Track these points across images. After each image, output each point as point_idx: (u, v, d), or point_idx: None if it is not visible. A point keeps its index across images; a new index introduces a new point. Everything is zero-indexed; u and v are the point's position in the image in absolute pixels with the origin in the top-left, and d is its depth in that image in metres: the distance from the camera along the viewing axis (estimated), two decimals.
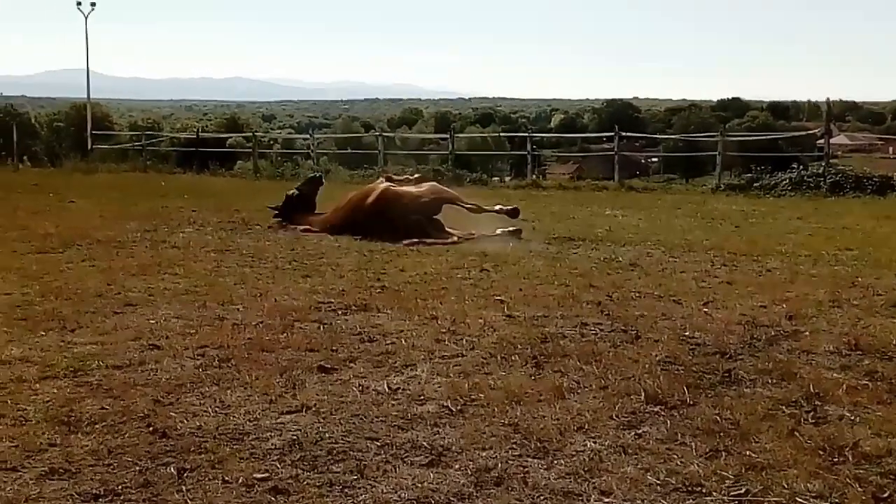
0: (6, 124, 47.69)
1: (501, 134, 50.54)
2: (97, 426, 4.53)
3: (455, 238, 11.78)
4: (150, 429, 4.49)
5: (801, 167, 23.61)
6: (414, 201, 12.19)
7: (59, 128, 58.93)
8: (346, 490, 3.83)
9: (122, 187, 21.97)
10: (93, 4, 48.19)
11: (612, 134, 28.07)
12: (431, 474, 3.98)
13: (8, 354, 5.84)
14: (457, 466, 4.06)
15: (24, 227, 12.71)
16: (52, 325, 6.70)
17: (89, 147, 40.64)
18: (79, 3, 47.82)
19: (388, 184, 12.82)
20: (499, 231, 12.15)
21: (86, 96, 51.06)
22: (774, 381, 5.32)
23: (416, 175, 14.27)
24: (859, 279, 8.70)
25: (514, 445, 4.30)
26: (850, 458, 4.11)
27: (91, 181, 24.85)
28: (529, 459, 4.14)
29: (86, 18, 47.69)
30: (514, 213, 12.61)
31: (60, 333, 6.46)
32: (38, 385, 5.22)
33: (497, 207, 12.75)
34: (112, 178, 27.01)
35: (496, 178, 31.92)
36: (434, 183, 13.57)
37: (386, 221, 11.96)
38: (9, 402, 4.88)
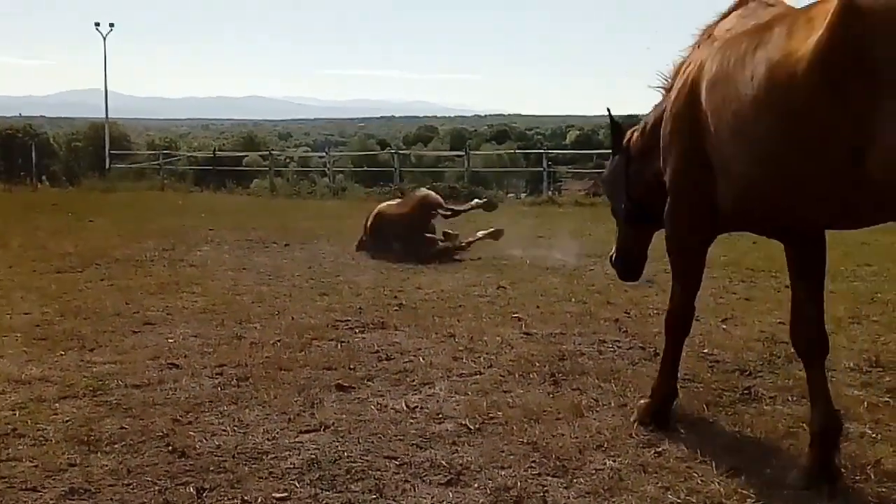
0: (25, 144, 48.03)
1: (517, 151, 50.46)
2: (116, 446, 4.54)
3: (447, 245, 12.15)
4: (169, 448, 4.50)
5: None
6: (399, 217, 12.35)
7: (77, 147, 59.30)
8: None
9: (140, 206, 22.09)
10: (111, 25, 48.63)
11: None
12: (450, 493, 3.97)
13: (28, 374, 5.87)
14: (476, 485, 4.04)
15: (43, 247, 12.79)
16: (72, 344, 6.73)
17: (107, 166, 40.92)
18: (97, 24, 48.25)
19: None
20: (479, 234, 12.47)
21: (104, 116, 51.42)
22: (795, 398, 5.29)
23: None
24: (878, 295, 8.64)
25: (532, 464, 4.29)
26: (872, 476, 4.07)
27: (109, 200, 25.01)
28: (548, 478, 4.13)
29: (104, 39, 48.10)
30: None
31: (80, 353, 6.50)
32: (57, 405, 5.24)
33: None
34: (130, 197, 27.16)
35: (512, 195, 31.92)
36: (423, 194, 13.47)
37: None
38: (29, 421, 4.90)
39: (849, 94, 3.30)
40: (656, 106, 5.17)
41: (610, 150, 6.01)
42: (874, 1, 3.21)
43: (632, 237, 5.63)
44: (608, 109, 5.88)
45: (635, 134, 5.45)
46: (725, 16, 4.62)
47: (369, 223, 12.52)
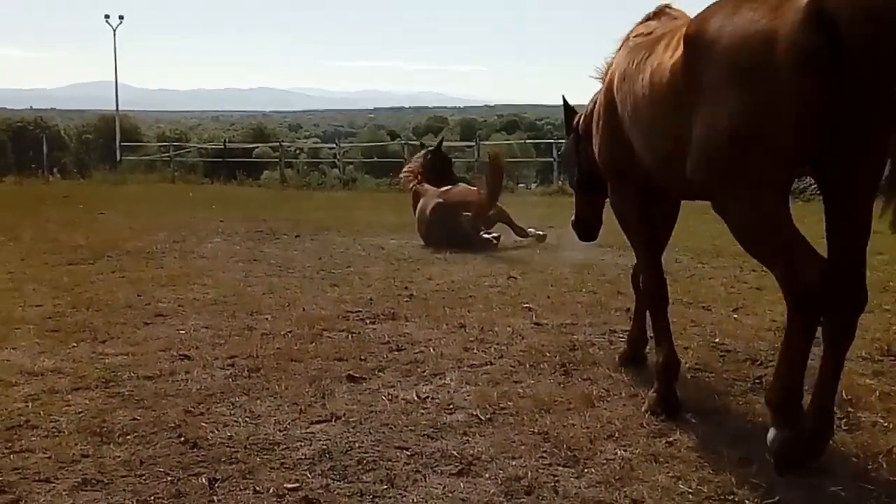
0: (36, 137, 48.21)
1: (527, 141, 50.34)
2: (129, 437, 4.56)
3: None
4: (182, 439, 4.51)
5: None
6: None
7: (88, 140, 59.54)
8: (376, 500, 3.83)
9: (151, 198, 22.15)
10: (121, 17, 48.85)
11: None
12: (461, 483, 3.97)
13: (40, 366, 5.90)
14: (487, 475, 4.05)
15: (54, 240, 12.84)
16: (84, 336, 6.76)
17: (118, 158, 41.08)
18: (107, 16, 48.44)
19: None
20: (531, 231, 12.62)
21: (114, 108, 51.57)
22: (806, 388, 5.26)
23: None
24: (891, 283, 8.60)
25: (544, 454, 4.29)
26: (885, 465, 4.06)
27: (120, 192, 25.08)
28: (560, 468, 4.13)
29: (114, 31, 48.27)
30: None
31: (92, 345, 6.52)
32: (70, 396, 5.26)
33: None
34: (141, 189, 27.25)
35: (522, 185, 31.87)
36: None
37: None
38: (42, 413, 4.92)
39: (689, 101, 4.10)
40: (595, 94, 5.92)
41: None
42: (705, 35, 4.02)
43: (586, 205, 6.57)
44: (563, 97, 6.91)
45: (582, 117, 6.20)
46: (644, 21, 5.52)
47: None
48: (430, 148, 14.49)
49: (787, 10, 3.64)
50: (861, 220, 3.83)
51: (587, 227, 6.69)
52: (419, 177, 13.54)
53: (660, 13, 5.47)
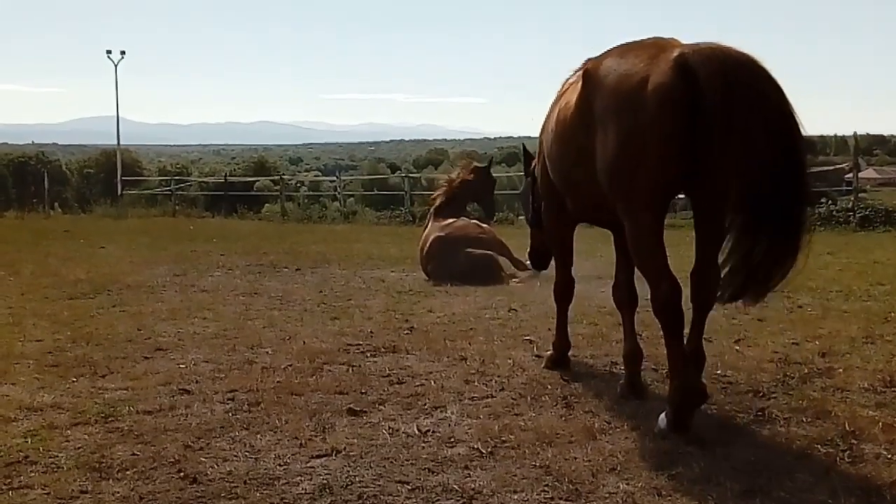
0: (37, 172, 48.40)
1: None
2: (128, 472, 4.53)
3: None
4: (181, 474, 4.48)
5: (830, 202, 23.28)
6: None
7: (89, 174, 59.71)
8: None
9: (152, 232, 22.18)
10: (122, 53, 49.19)
11: None
12: None
13: (40, 401, 5.87)
14: None
15: (55, 274, 12.85)
16: (83, 370, 6.74)
17: (119, 193, 41.21)
18: (109, 52, 48.78)
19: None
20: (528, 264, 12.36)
21: (115, 143, 51.78)
22: (809, 419, 5.25)
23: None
24: (892, 314, 8.58)
25: (545, 488, 4.26)
26: (888, 498, 4.03)
27: (121, 226, 25.12)
28: (561, 502, 4.10)
29: (115, 67, 48.58)
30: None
31: (91, 379, 6.50)
32: (69, 431, 5.23)
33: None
34: (141, 223, 27.30)
35: (522, 217, 31.92)
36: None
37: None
38: (41, 448, 4.89)
39: (588, 128, 5.08)
40: None
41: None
42: (598, 72, 5.04)
43: (539, 238, 7.50)
44: (523, 145, 8.23)
45: (536, 160, 6.93)
46: (572, 76, 6.24)
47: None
48: (482, 166, 14.34)
49: (661, 60, 4.63)
50: (716, 233, 4.98)
51: (540, 258, 7.74)
52: (448, 193, 13.41)
53: (582, 67, 6.30)
